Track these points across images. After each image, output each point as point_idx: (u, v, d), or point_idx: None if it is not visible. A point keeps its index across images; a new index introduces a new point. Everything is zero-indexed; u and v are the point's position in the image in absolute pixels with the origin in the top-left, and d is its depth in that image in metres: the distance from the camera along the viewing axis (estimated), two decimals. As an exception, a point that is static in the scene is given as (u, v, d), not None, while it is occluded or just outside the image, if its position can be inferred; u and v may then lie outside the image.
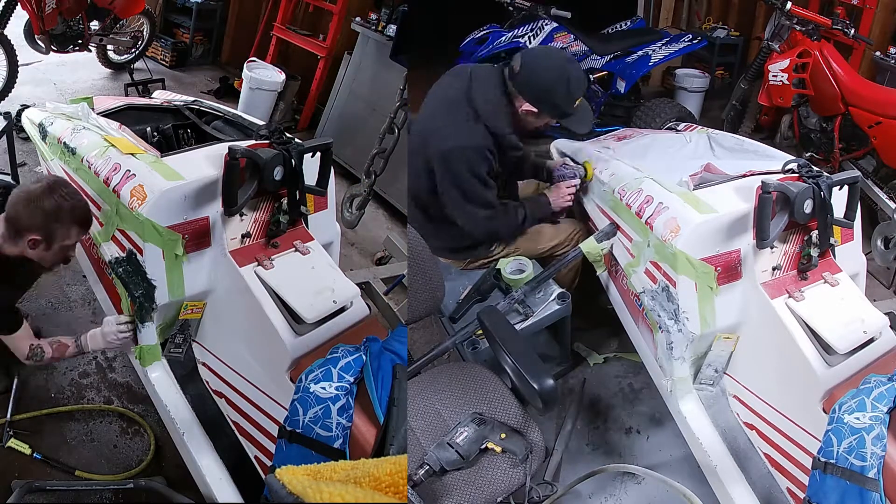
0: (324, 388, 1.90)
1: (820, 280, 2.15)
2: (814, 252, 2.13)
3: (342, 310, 2.16)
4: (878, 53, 3.79)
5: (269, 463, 2.01)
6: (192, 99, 2.91)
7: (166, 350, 2.21)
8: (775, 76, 3.58)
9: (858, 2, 3.87)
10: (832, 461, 1.77)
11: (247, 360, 2.15)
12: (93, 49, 5.06)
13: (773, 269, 2.12)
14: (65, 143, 2.36)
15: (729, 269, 2.10)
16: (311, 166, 2.32)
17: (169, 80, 5.27)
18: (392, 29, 4.29)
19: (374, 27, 4.44)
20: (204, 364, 2.24)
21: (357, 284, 2.29)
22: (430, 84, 2.49)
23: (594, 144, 2.82)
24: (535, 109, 2.31)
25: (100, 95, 3.16)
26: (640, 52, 3.83)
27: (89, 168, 2.23)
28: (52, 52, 4.69)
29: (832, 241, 2.16)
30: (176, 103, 2.83)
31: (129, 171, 2.13)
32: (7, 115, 3.12)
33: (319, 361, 1.97)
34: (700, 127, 2.91)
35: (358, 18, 4.57)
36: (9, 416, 2.36)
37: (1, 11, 4.30)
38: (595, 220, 2.55)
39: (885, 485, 1.68)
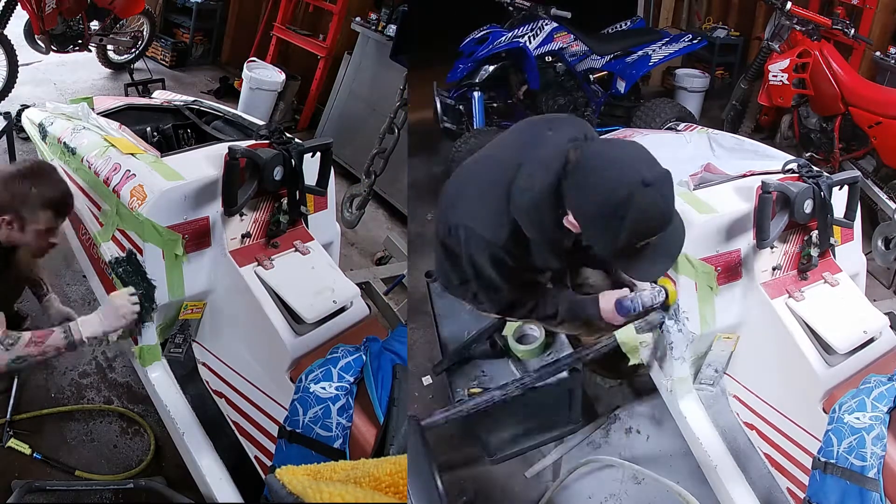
0: (324, 388, 1.90)
1: (820, 280, 2.15)
2: (814, 252, 2.13)
3: (342, 310, 2.16)
4: (878, 53, 3.78)
5: (269, 463, 2.01)
6: (192, 99, 2.92)
7: (166, 350, 2.21)
8: (775, 76, 3.58)
9: (858, 2, 3.87)
10: (832, 461, 1.77)
11: (247, 360, 2.15)
12: (93, 49, 5.06)
13: (774, 268, 2.12)
14: (65, 143, 2.36)
15: (729, 269, 2.10)
16: (311, 166, 2.32)
17: (169, 80, 5.27)
18: (392, 29, 4.30)
19: (374, 27, 4.45)
20: (204, 364, 2.24)
21: (357, 284, 2.29)
22: (430, 84, 2.44)
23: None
24: (579, 230, 1.69)
25: (100, 95, 3.16)
26: (640, 52, 3.83)
27: (89, 168, 2.23)
28: (52, 52, 4.70)
29: (832, 241, 2.16)
30: (176, 103, 2.83)
31: (129, 171, 2.13)
32: (7, 115, 3.13)
33: (319, 361, 1.97)
34: (700, 127, 2.91)
35: (358, 18, 4.57)
36: (9, 416, 2.36)
37: (1, 11, 4.30)
38: None
39: (885, 485, 1.68)
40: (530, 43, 3.65)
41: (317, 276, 2.21)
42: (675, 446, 2.35)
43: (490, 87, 3.75)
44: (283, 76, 4.79)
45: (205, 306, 2.22)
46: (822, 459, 1.80)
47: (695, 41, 3.91)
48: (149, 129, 2.68)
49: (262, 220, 2.24)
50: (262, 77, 4.74)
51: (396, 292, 3.17)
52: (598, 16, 4.16)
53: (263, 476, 2.05)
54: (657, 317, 2.09)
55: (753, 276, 2.10)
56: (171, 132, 2.73)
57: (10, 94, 4.39)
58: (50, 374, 2.58)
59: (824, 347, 2.00)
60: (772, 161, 2.38)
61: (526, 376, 2.05)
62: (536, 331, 2.15)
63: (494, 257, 1.81)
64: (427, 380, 2.61)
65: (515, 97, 3.82)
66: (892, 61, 3.71)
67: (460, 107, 3.75)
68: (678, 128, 3.04)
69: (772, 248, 2.09)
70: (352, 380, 1.92)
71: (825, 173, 2.13)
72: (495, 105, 3.83)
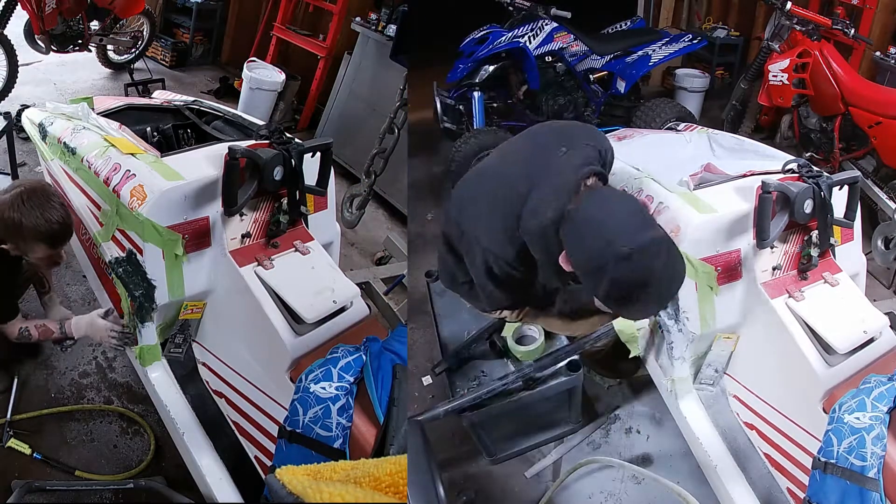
0: (324, 388, 1.90)
1: (820, 280, 2.15)
2: (814, 252, 2.13)
3: (342, 310, 2.16)
4: (878, 53, 3.79)
5: (269, 463, 2.01)
6: (192, 99, 2.92)
7: (166, 350, 2.21)
8: (775, 76, 3.58)
9: (858, 2, 3.87)
10: (832, 461, 1.77)
11: (247, 360, 2.15)
12: (93, 49, 5.06)
13: (774, 268, 2.12)
14: (65, 143, 2.36)
15: (729, 269, 2.10)
16: (311, 166, 2.32)
17: (169, 80, 5.27)
18: (392, 29, 4.30)
19: (374, 27, 4.45)
20: (204, 364, 2.24)
21: (357, 284, 2.29)
22: (430, 84, 2.44)
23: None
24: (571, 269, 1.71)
25: (100, 95, 3.16)
26: (640, 52, 3.83)
27: (89, 168, 2.23)
28: (52, 52, 4.70)
29: (832, 241, 2.16)
30: (176, 103, 2.83)
31: (129, 171, 2.13)
32: (7, 115, 3.13)
33: (319, 361, 1.97)
34: (700, 127, 2.91)
35: (358, 18, 4.57)
36: (9, 416, 2.36)
37: (1, 11, 4.30)
38: None
39: (885, 485, 1.68)
40: (530, 43, 3.65)
41: (317, 276, 2.21)
42: (675, 446, 2.35)
43: (490, 87, 3.75)
44: (283, 76, 4.79)
45: (205, 306, 2.22)
46: (822, 459, 1.79)
47: (695, 41, 3.91)
48: (149, 129, 2.68)
49: (262, 220, 2.24)
50: (262, 77, 4.74)
51: (396, 292, 3.17)
52: (598, 16, 4.16)
53: (263, 476, 2.05)
54: None
55: (753, 275, 2.10)
56: (171, 132, 2.73)
57: (10, 94, 4.39)
58: (50, 374, 2.58)
59: (824, 347, 2.00)
60: (772, 161, 2.37)
61: (526, 366, 2.06)
62: (536, 332, 2.15)
63: (503, 271, 1.84)
64: (427, 380, 2.62)
65: (515, 97, 3.83)
66: (892, 61, 3.71)
67: (460, 107, 3.75)
68: (678, 128, 3.03)
69: (772, 247, 2.09)
70: (352, 380, 1.92)
71: (825, 173, 2.13)
72: (495, 105, 3.83)
